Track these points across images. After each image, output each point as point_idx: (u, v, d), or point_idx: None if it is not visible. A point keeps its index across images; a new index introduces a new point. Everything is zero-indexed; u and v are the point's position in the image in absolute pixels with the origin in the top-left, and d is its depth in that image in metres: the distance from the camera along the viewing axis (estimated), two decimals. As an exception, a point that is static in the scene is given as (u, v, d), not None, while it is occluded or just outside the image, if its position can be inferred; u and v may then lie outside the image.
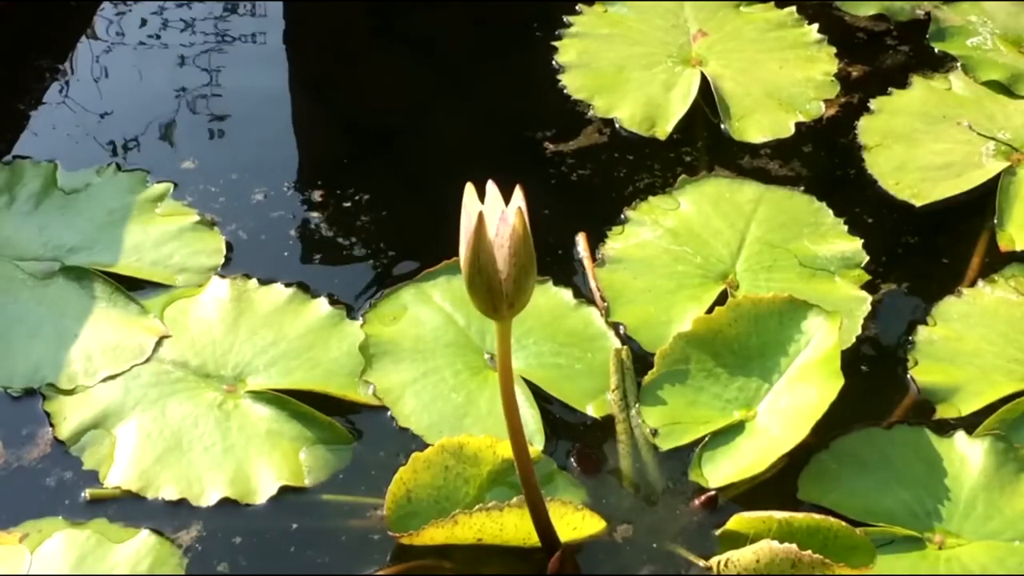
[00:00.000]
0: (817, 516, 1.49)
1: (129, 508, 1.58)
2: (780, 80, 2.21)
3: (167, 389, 1.69)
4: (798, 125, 2.13)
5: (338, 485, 1.62)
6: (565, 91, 2.17)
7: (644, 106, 2.13)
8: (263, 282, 1.81)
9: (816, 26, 2.29)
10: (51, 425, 1.66)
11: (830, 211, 1.94)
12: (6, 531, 1.53)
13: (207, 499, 1.59)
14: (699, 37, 2.26)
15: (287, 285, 1.81)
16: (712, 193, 1.97)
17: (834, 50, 2.26)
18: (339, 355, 1.74)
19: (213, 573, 1.53)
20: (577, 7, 2.32)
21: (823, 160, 2.09)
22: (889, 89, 2.17)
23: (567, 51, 2.24)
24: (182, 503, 1.58)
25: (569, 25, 2.29)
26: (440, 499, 1.55)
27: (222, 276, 1.83)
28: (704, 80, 2.17)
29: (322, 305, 1.79)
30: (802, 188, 1.99)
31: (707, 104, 2.16)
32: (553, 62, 2.22)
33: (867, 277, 1.85)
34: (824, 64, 2.24)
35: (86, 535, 1.53)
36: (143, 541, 1.53)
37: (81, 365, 1.71)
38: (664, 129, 2.10)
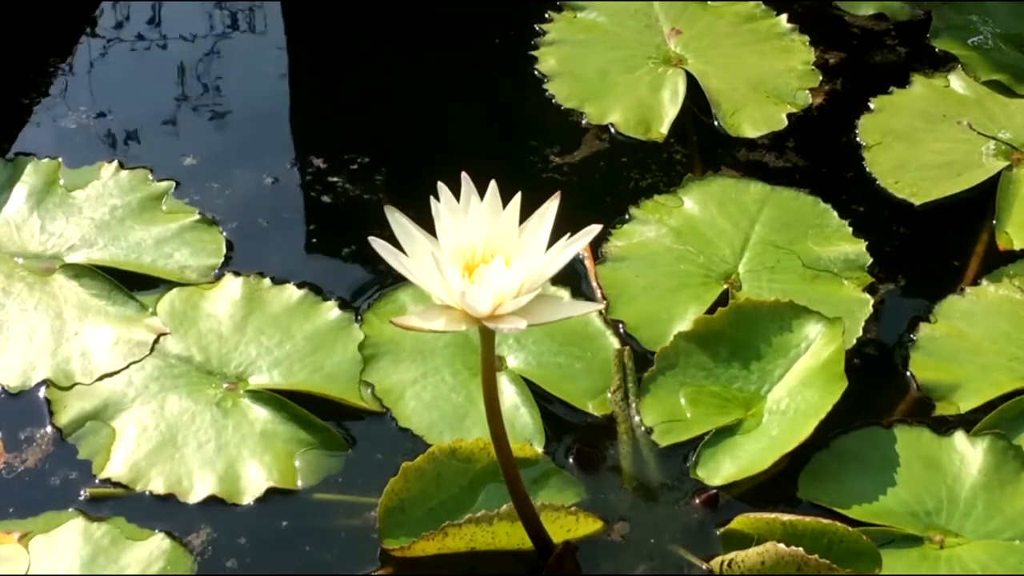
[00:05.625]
0: (824, 520, 1.49)
1: (127, 503, 1.58)
2: (762, 72, 2.21)
3: (168, 383, 1.69)
4: (789, 116, 2.13)
5: (338, 486, 1.62)
6: (554, 100, 2.16)
7: (636, 110, 2.13)
8: (276, 282, 1.81)
9: (785, 16, 2.29)
10: (51, 412, 1.66)
11: (835, 213, 1.94)
12: (6, 530, 1.53)
13: (195, 496, 1.59)
14: (673, 35, 2.25)
15: (299, 286, 1.81)
16: (717, 192, 1.97)
17: (808, 38, 2.26)
18: (343, 359, 1.73)
19: (215, 573, 1.54)
20: (547, 14, 2.31)
21: (821, 155, 2.09)
22: (890, 88, 2.17)
23: (546, 59, 2.22)
24: (169, 498, 1.59)
25: (543, 33, 2.27)
26: (434, 507, 1.55)
27: (236, 273, 1.82)
28: (690, 79, 2.17)
29: (331, 308, 1.78)
30: (807, 190, 1.98)
31: (695, 102, 2.15)
32: (535, 71, 2.21)
33: (870, 279, 1.85)
34: (801, 53, 2.24)
35: (102, 531, 1.53)
36: (157, 544, 1.53)
37: (79, 363, 1.71)
38: (660, 131, 2.10)
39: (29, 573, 1.49)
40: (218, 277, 1.83)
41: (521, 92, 2.20)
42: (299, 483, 1.62)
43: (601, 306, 1.75)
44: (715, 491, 1.61)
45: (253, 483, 1.60)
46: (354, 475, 1.63)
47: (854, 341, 1.76)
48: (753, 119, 2.13)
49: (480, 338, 1.36)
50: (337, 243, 1.93)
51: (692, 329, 1.73)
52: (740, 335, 1.71)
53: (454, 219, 1.31)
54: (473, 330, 1.31)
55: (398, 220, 1.32)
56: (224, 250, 1.87)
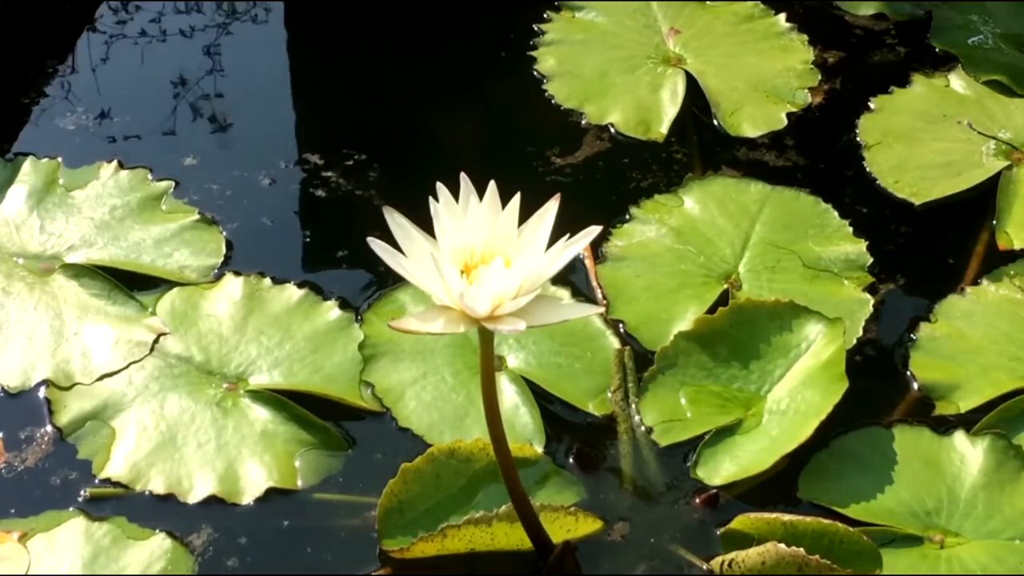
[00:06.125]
0: (825, 520, 1.49)
1: (127, 503, 1.58)
2: (761, 72, 2.21)
3: (168, 383, 1.69)
4: (789, 116, 2.13)
5: (338, 486, 1.62)
6: (553, 100, 2.15)
7: (636, 110, 2.13)
8: (276, 281, 1.81)
9: (784, 15, 2.29)
10: (51, 412, 1.66)
11: (835, 213, 1.94)
12: (6, 530, 1.54)
13: (195, 496, 1.59)
14: (672, 35, 2.25)
15: (299, 286, 1.81)
16: (718, 192, 1.96)
17: (806, 37, 2.26)
18: (343, 359, 1.73)
19: (216, 573, 1.54)
20: (545, 14, 2.31)
21: (821, 155, 2.09)
22: (890, 87, 2.17)
23: (546, 60, 2.22)
24: (169, 498, 1.59)
25: (542, 33, 2.27)
26: (433, 507, 1.55)
27: (237, 273, 1.82)
28: (689, 78, 2.17)
29: (332, 308, 1.78)
30: (808, 190, 1.98)
31: (695, 102, 2.15)
32: (534, 71, 2.20)
33: (871, 279, 1.85)
34: (800, 53, 2.24)
35: (103, 530, 1.54)
36: (158, 544, 1.53)
37: (79, 363, 1.71)
38: (660, 131, 2.10)
39: (29, 573, 1.49)
40: (218, 277, 1.83)
41: (520, 92, 2.20)
42: (299, 483, 1.62)
43: (601, 309, 1.74)
44: (715, 491, 1.61)
45: (253, 483, 1.60)
46: (354, 475, 1.63)
47: (854, 341, 1.76)
48: (753, 118, 2.13)
49: (479, 339, 1.36)
50: (337, 243, 1.93)
51: (692, 329, 1.73)
52: (740, 335, 1.72)
53: (453, 219, 1.31)
54: (473, 330, 1.31)
55: (397, 220, 1.32)
56: (224, 250, 1.87)
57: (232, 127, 2.16)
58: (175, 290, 1.80)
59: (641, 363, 1.73)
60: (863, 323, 1.79)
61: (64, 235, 1.86)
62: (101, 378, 1.70)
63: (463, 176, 1.32)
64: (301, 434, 1.65)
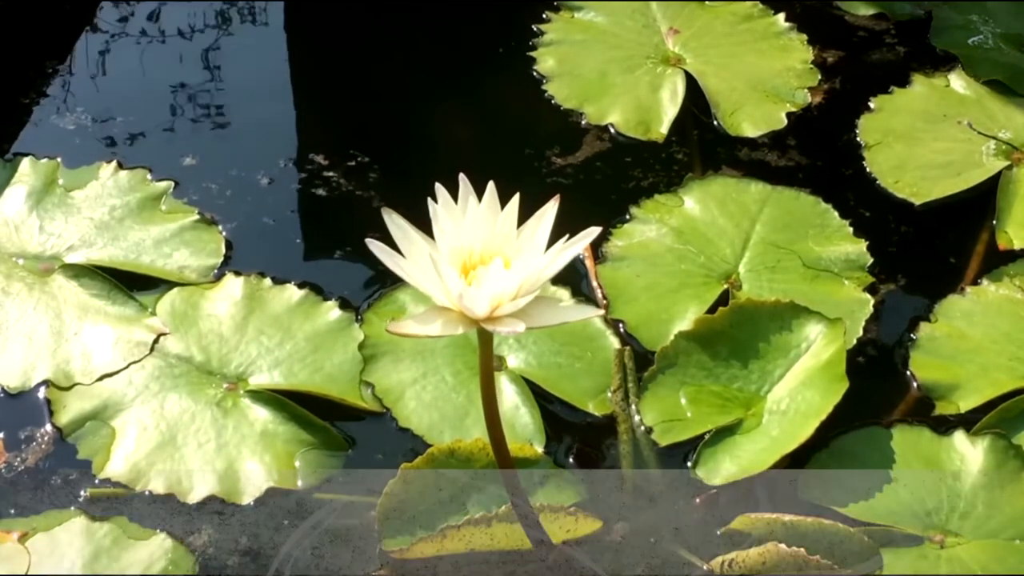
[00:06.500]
0: (825, 520, 1.49)
1: (126, 503, 1.59)
2: (761, 72, 2.20)
3: (168, 383, 1.70)
4: (789, 115, 2.13)
5: (338, 485, 1.62)
6: (553, 101, 2.15)
7: (636, 110, 2.12)
8: (277, 281, 1.81)
9: (783, 15, 2.29)
10: (51, 412, 1.66)
11: (836, 213, 1.94)
12: (6, 530, 1.54)
13: (195, 495, 1.59)
14: (671, 35, 2.25)
15: (299, 286, 1.81)
16: (718, 192, 1.96)
17: (806, 37, 2.26)
18: (343, 359, 1.73)
19: (216, 573, 1.54)
20: (544, 15, 2.31)
21: (821, 155, 2.09)
22: (890, 87, 2.17)
23: (545, 60, 2.22)
24: (169, 498, 1.59)
25: (541, 34, 2.27)
26: (433, 507, 1.55)
27: (237, 273, 1.82)
28: (689, 78, 2.17)
29: (332, 308, 1.78)
30: (808, 190, 1.97)
31: (695, 102, 2.15)
32: (534, 72, 2.20)
33: (871, 279, 1.85)
34: (800, 52, 2.24)
35: (104, 530, 1.54)
36: (159, 544, 1.53)
37: (79, 363, 1.71)
38: (660, 131, 2.09)
39: (29, 573, 1.49)
40: (218, 277, 1.83)
41: (520, 93, 2.20)
42: (299, 483, 1.62)
43: (601, 311, 1.74)
44: (715, 491, 1.61)
45: (253, 483, 1.60)
46: (354, 475, 1.63)
47: (854, 341, 1.76)
48: (752, 118, 2.13)
49: (479, 341, 1.36)
50: (337, 242, 1.93)
51: (692, 329, 1.73)
52: (740, 335, 1.71)
53: (452, 220, 1.31)
54: (473, 331, 1.31)
55: (395, 221, 1.32)
56: (223, 250, 1.87)
57: (232, 127, 2.16)
58: (175, 290, 1.80)
59: (641, 363, 1.74)
60: (863, 323, 1.79)
61: (64, 235, 1.86)
62: (101, 378, 1.70)
63: (462, 177, 1.32)
64: (301, 434, 1.65)
